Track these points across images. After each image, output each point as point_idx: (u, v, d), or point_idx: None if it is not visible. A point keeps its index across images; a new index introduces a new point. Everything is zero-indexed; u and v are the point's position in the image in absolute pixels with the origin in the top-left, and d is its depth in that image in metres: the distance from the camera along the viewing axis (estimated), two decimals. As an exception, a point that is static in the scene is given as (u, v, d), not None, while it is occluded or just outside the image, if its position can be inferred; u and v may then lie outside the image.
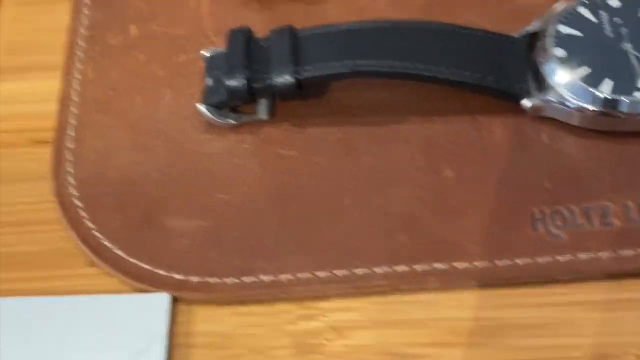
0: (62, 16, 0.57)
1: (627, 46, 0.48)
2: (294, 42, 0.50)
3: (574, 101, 0.48)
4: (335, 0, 0.56)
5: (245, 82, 0.49)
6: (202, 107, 0.50)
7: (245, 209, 0.48)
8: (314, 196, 0.48)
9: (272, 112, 0.51)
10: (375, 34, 0.50)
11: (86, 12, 0.56)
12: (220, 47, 0.53)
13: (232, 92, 0.50)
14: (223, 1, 0.56)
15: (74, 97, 0.53)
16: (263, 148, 0.50)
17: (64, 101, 0.53)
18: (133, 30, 0.55)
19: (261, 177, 0.49)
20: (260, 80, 0.49)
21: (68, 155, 0.50)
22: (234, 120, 0.51)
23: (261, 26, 0.54)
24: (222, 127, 0.51)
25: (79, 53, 0.55)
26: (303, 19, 0.54)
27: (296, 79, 0.49)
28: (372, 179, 0.48)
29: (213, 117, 0.51)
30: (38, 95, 0.54)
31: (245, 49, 0.50)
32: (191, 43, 0.54)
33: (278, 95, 0.50)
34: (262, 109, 0.51)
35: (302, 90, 0.50)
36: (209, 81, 0.51)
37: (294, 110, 0.51)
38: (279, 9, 0.56)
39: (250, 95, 0.50)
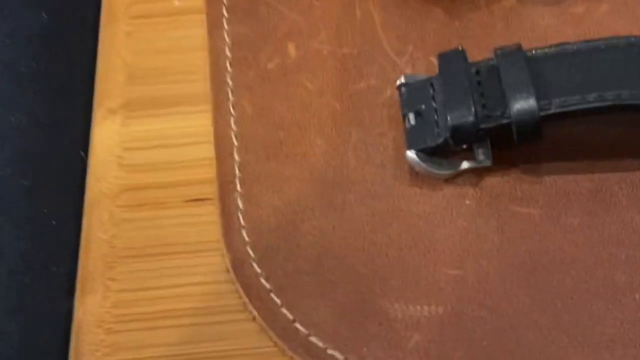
0: (190, 31, 0.45)
1: None
2: (531, 68, 0.39)
3: None
4: (540, 7, 0.44)
5: (473, 119, 0.38)
6: (412, 155, 0.39)
7: (486, 289, 0.37)
8: (575, 271, 0.37)
9: (493, 156, 0.40)
10: (627, 55, 0.39)
11: (227, 27, 0.45)
12: (409, 70, 0.42)
13: (455, 133, 0.38)
14: (395, 9, 0.45)
15: (234, 140, 0.41)
16: (492, 205, 0.39)
17: (222, 145, 0.41)
18: (291, 49, 0.44)
19: (499, 245, 0.38)
20: (493, 118, 0.38)
21: (241, 219, 0.39)
22: (453, 168, 0.39)
23: (451, 41, 0.43)
24: (433, 178, 0.40)
25: (229, 81, 0.43)
26: (503, 32, 0.43)
27: (541, 116, 0.38)
28: (650, 246, 0.37)
29: (426, 167, 0.39)
30: (182, 138, 0.42)
31: (467, 77, 0.39)
32: (369, 65, 0.43)
33: (516, 136, 0.38)
34: (483, 153, 0.40)
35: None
36: (411, 119, 0.40)
37: (515, 153, 0.40)
38: (468, 17, 0.45)
39: (476, 137, 0.39)
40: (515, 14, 0.44)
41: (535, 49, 0.40)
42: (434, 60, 0.42)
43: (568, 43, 0.40)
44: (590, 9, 0.44)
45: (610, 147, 0.40)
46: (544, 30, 0.44)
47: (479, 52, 0.42)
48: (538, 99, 0.38)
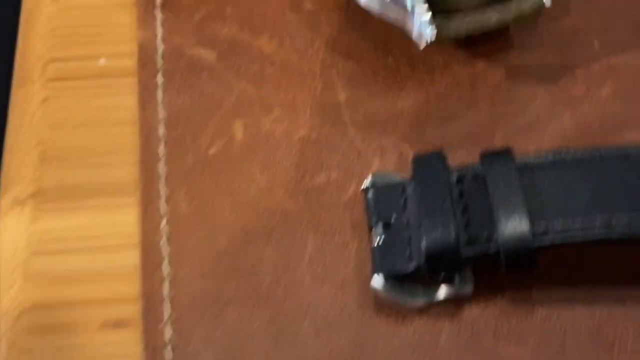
0: (118, 100, 0.38)
1: None
2: (523, 179, 0.32)
3: None
4: (533, 86, 0.38)
5: (454, 244, 0.32)
6: (379, 281, 0.32)
7: None
8: None
9: (474, 282, 0.33)
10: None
11: (161, 96, 0.38)
12: (377, 161, 0.36)
13: (431, 259, 0.32)
14: (362, 81, 0.38)
15: (164, 247, 0.34)
16: (474, 344, 0.33)
17: (149, 255, 0.34)
18: (238, 129, 0.37)
19: (480, 398, 0.31)
20: (477, 243, 0.32)
21: (168, 355, 0.32)
22: (428, 297, 0.33)
23: (427, 124, 0.37)
24: (405, 308, 0.33)
25: (161, 169, 0.36)
26: (488, 115, 0.37)
27: (536, 246, 0.31)
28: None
29: (396, 296, 0.33)
30: (104, 239, 0.35)
31: (447, 187, 0.32)
32: (329, 153, 0.37)
33: (504, 266, 0.32)
34: (463, 278, 0.33)
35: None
36: (379, 231, 0.33)
37: (501, 279, 0.33)
38: (448, 95, 0.38)
39: (456, 265, 0.32)
40: (503, 93, 0.38)
41: (529, 155, 0.33)
42: (407, 149, 0.36)
43: (568, 149, 0.33)
44: (591, 92, 0.38)
45: (615, 273, 0.34)
46: (535, 115, 0.37)
47: (458, 142, 0.36)
48: (532, 222, 0.31)
